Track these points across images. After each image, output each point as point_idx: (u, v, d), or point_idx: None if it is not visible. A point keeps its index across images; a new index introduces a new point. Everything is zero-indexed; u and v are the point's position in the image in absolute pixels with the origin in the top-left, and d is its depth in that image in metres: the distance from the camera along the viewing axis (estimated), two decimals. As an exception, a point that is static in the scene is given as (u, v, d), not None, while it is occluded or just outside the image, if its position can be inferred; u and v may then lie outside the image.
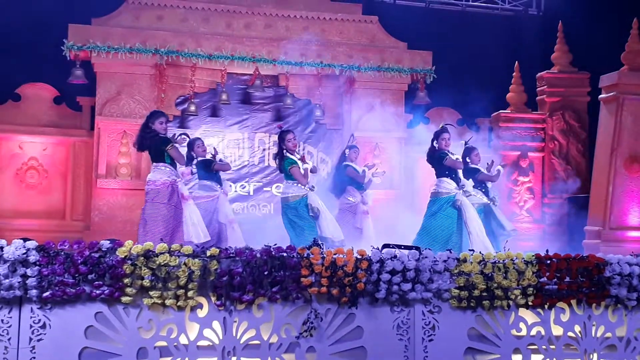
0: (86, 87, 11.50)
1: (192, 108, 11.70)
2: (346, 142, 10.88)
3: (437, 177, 9.03)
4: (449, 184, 8.91)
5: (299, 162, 8.83)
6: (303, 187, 8.76)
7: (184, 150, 9.00)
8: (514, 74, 13.67)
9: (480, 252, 6.80)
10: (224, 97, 11.77)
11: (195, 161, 9.27)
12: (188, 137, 9.39)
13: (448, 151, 9.00)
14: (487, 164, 9.88)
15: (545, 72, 13.65)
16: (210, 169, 9.24)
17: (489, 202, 9.54)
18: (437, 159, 9.00)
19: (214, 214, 9.07)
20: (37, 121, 11.59)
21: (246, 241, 8.41)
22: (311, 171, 8.97)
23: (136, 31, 11.41)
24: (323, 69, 12.04)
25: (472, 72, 13.03)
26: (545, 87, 13.60)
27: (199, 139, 9.58)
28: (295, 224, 8.69)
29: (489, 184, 9.80)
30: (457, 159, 9.00)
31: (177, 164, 8.46)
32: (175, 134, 8.71)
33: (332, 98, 12.49)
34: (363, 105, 12.18)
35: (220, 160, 9.48)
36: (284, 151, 8.88)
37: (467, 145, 9.73)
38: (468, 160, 9.56)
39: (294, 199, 8.74)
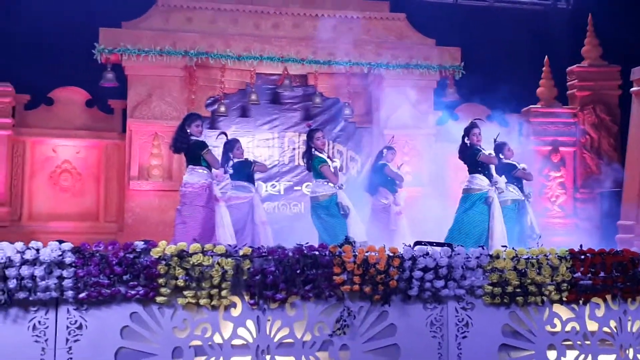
0: (117, 90, 11.57)
1: (222, 109, 11.74)
2: (376, 141, 10.85)
3: (470, 174, 8.94)
4: (481, 181, 8.83)
5: (329, 161, 8.83)
6: (333, 185, 8.75)
7: (218, 150, 9.01)
8: (544, 68, 13.55)
9: (513, 248, 6.74)
10: (253, 97, 11.80)
11: (231, 162, 9.26)
12: (226, 136, 9.42)
13: (480, 147, 8.93)
14: (494, 140, 9.71)
15: (575, 66, 13.52)
16: (248, 170, 9.22)
17: (523, 198, 9.44)
18: (470, 155, 8.92)
19: (249, 215, 9.07)
20: (69, 124, 11.68)
21: (276, 241, 8.42)
22: (340, 170, 8.97)
23: (166, 33, 11.47)
24: (351, 67, 12.02)
25: (502, 67, 12.93)
26: (576, 81, 13.47)
27: (237, 140, 9.53)
28: (327, 222, 8.69)
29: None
30: (490, 154, 8.92)
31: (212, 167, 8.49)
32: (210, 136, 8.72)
33: (361, 96, 12.48)
34: (392, 102, 12.14)
35: (255, 161, 9.48)
36: (312, 150, 8.88)
37: (498, 142, 9.64)
38: (501, 156, 9.46)
39: (323, 197, 8.74)
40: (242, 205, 9.04)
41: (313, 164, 8.83)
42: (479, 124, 9.12)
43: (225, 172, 9.19)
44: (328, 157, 8.96)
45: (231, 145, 9.33)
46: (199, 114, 9.03)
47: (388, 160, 10.25)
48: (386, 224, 9.96)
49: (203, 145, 8.40)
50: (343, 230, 8.43)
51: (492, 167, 8.99)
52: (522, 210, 9.37)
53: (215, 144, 11.14)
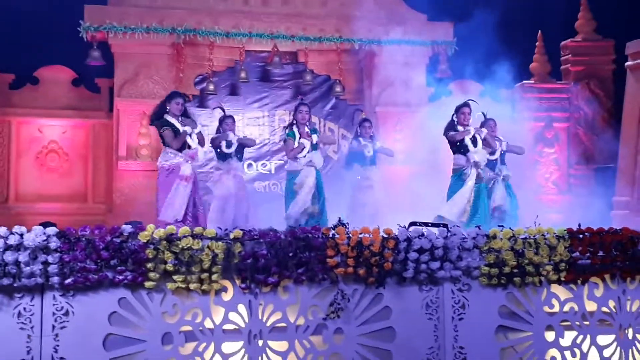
0: (104, 68, 11.39)
1: (211, 87, 11.57)
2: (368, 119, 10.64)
3: (453, 154, 8.89)
4: (460, 160, 8.82)
5: (296, 136, 8.71)
6: (305, 162, 8.67)
7: (205, 130, 8.88)
8: (537, 43, 13.42)
9: (510, 228, 6.63)
10: (242, 75, 11.62)
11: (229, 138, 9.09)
12: (223, 110, 9.30)
13: (458, 125, 8.80)
14: (483, 114, 9.56)
15: (569, 40, 13.40)
16: (239, 149, 9.11)
17: (496, 176, 9.30)
18: (446, 135, 8.88)
19: (237, 192, 8.94)
20: (55, 104, 11.51)
21: (266, 221, 8.31)
22: (324, 142, 8.86)
23: (152, 11, 11.25)
24: (342, 44, 11.85)
25: (494, 42, 12.71)
26: (570, 56, 13.35)
27: (230, 116, 9.39)
28: (287, 197, 8.73)
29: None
30: (467, 130, 8.79)
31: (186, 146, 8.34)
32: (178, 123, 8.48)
33: (352, 73, 12.32)
34: (384, 79, 11.98)
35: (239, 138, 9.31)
36: (294, 123, 8.83)
37: (486, 118, 9.47)
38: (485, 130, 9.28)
39: (289, 173, 8.82)
40: (227, 184, 8.91)
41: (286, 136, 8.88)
42: (472, 104, 8.96)
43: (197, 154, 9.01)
44: (307, 133, 8.78)
45: (220, 121, 9.22)
46: (181, 92, 8.88)
47: (364, 135, 10.01)
48: (365, 200, 9.80)
49: (163, 122, 8.27)
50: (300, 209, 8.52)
51: (471, 145, 8.83)
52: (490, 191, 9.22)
53: (205, 122, 11.02)
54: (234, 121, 9.33)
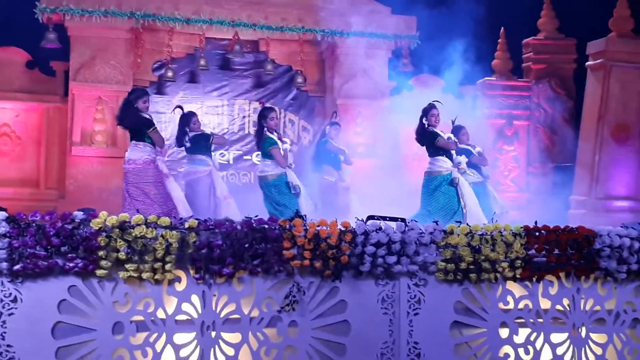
0: (60, 51, 11.22)
1: (170, 74, 11.46)
2: (329, 111, 10.71)
3: (431, 157, 8.89)
4: (444, 162, 8.81)
5: (279, 143, 8.67)
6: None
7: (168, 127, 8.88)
8: (500, 40, 13.52)
9: (467, 224, 6.68)
10: (202, 62, 11.53)
11: (188, 137, 9.15)
12: (182, 109, 9.27)
13: (437, 131, 8.84)
14: (452, 121, 9.67)
15: (531, 38, 13.52)
16: (205, 143, 9.15)
17: (483, 179, 9.46)
18: (428, 139, 8.87)
19: (211, 189, 8.96)
20: (8, 86, 11.29)
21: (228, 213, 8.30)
22: (290, 151, 8.87)
23: (111, -7, 11.12)
24: (305, 35, 11.81)
25: (457, 38, 12.81)
26: (532, 53, 13.47)
27: (194, 114, 9.43)
28: (278, 200, 8.58)
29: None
30: (449, 138, 8.86)
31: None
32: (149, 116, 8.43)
33: (314, 64, 12.29)
34: (345, 71, 11.97)
35: (213, 133, 9.39)
36: (265, 129, 8.71)
37: (455, 125, 9.56)
38: (455, 140, 9.39)
39: (272, 177, 8.66)
40: (203, 179, 8.94)
41: (263, 145, 8.73)
42: (438, 106, 9.00)
43: (183, 145, 9.12)
44: (279, 137, 8.80)
45: (187, 119, 9.24)
46: (144, 88, 8.84)
47: (331, 137, 10.14)
48: (335, 201, 9.87)
49: (150, 123, 8.25)
50: (295, 208, 8.30)
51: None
52: (482, 192, 9.35)
53: (162, 109, 10.94)
54: (198, 118, 9.35)
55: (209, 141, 9.16)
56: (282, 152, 8.64)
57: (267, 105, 9.21)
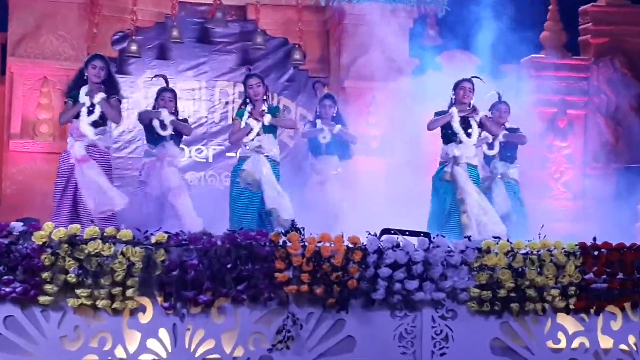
0: (-6, 18, 11.28)
1: (133, 48, 11.48)
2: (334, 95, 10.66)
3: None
4: (443, 152, 8.79)
5: (247, 115, 8.61)
6: (249, 147, 8.56)
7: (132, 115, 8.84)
8: (550, 7, 13.52)
9: (508, 240, 6.70)
10: (174, 33, 11.55)
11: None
12: (167, 82, 9.22)
13: (458, 105, 8.80)
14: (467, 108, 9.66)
15: (590, 5, 13.53)
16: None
17: (491, 174, 9.43)
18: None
19: (174, 187, 8.87)
20: None
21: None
22: (281, 125, 8.79)
23: (59, -54, 11.18)
24: (304, -1, 11.86)
25: (497, 5, 12.85)
26: (590, 24, 13.48)
27: (171, 90, 9.23)
28: (230, 197, 8.57)
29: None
30: (450, 112, 8.76)
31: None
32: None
33: (316, 37, 12.34)
34: (355, 46, 12.00)
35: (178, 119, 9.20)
36: (247, 101, 8.72)
37: (500, 100, 9.55)
38: (489, 114, 9.33)
39: (236, 160, 8.78)
40: (151, 172, 8.84)
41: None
42: (476, 82, 8.96)
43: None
44: (274, 107, 8.78)
45: (157, 94, 9.13)
46: (99, 54, 8.76)
47: (324, 117, 10.01)
48: (314, 200, 9.80)
49: (69, 94, 8.20)
50: (244, 205, 8.36)
51: (462, 132, 8.83)
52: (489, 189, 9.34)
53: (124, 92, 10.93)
54: (174, 96, 9.20)
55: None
56: (242, 124, 8.51)
57: (252, 72, 9.08)
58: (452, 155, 8.63)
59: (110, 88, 8.26)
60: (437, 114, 8.81)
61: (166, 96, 9.07)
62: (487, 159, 9.50)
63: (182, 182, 9.11)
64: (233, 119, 8.86)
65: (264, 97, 8.74)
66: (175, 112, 9.06)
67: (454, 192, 8.60)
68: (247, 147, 8.56)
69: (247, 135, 8.56)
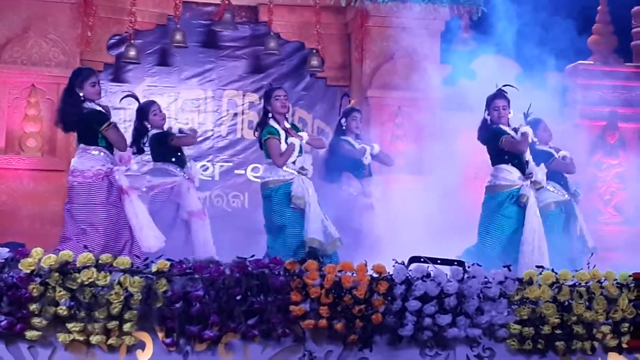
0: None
1: (132, 53, 11.54)
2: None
3: (493, 165, 8.85)
4: (509, 173, 8.76)
5: (282, 133, 8.66)
6: (292, 169, 8.61)
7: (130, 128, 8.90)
8: (599, 8, 13.52)
9: (553, 271, 6.68)
10: (178, 37, 11.61)
11: (149, 136, 9.14)
12: (137, 99, 9.29)
13: (503, 126, 8.82)
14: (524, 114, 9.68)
15: (644, 5, 13.55)
16: (167, 145, 9.10)
17: (568, 197, 9.43)
18: (489, 139, 8.84)
19: (178, 208, 8.95)
20: None
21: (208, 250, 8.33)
22: (307, 152, 8.82)
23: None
24: (322, -2, 11.91)
25: (539, 5, 12.88)
26: (645, 27, 13.50)
27: (153, 103, 9.41)
28: (271, 221, 8.57)
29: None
30: (522, 135, 8.80)
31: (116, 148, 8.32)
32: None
33: (336, 41, 12.38)
34: (380, 51, 12.03)
35: (180, 130, 9.30)
36: (269, 115, 8.72)
37: (530, 118, 9.57)
38: (534, 139, 9.38)
39: (274, 184, 8.64)
40: (165, 195, 8.92)
41: (261, 136, 8.72)
42: (508, 91, 8.98)
43: (137, 152, 9.04)
44: (292, 125, 8.81)
45: (144, 111, 9.21)
46: (92, 68, 8.81)
47: (352, 130, 10.08)
48: (350, 222, 9.85)
49: (102, 117, 8.20)
50: (294, 234, 8.37)
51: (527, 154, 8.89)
52: (569, 217, 9.35)
53: (118, 104, 10.99)
54: (159, 108, 9.34)
55: (168, 141, 9.16)
56: (283, 145, 8.61)
57: (272, 85, 9.13)
58: (534, 179, 8.67)
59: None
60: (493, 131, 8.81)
61: (157, 109, 9.23)
62: (566, 183, 9.57)
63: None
64: (269, 138, 8.63)
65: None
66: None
67: (523, 219, 8.65)
68: (287, 169, 8.59)
69: (291, 155, 8.61)
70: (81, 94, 8.19)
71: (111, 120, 8.22)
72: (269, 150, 8.61)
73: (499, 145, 8.77)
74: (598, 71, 13.20)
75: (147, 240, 8.10)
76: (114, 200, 8.14)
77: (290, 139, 8.63)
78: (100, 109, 8.27)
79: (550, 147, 9.65)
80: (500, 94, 8.94)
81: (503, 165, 8.79)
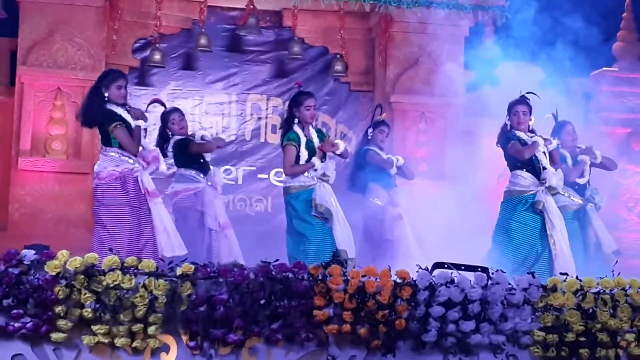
0: (5, 23, 11.40)
1: (157, 57, 11.57)
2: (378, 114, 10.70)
3: (511, 171, 8.85)
4: (524, 179, 8.74)
5: (303, 140, 8.59)
6: (313, 176, 8.57)
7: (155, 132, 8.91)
8: (624, 14, 13.47)
9: (577, 278, 6.66)
10: (202, 41, 11.65)
11: (171, 142, 9.17)
12: (163, 105, 9.33)
13: (518, 132, 8.78)
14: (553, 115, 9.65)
15: (670, 10, 13.50)
16: (188, 152, 9.11)
17: (583, 202, 9.39)
18: (505, 144, 8.82)
19: (200, 216, 8.96)
20: None
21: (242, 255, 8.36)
22: (342, 156, 8.80)
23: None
24: (346, 3, 11.87)
25: (563, 11, 12.84)
26: (671, 32, 13.45)
27: (176, 110, 9.42)
28: (292, 228, 8.54)
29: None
30: (534, 141, 8.75)
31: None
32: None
33: (360, 46, 12.40)
34: (404, 57, 12.06)
35: (202, 137, 9.32)
36: (295, 121, 8.66)
37: (557, 121, 9.55)
38: (557, 142, 9.34)
39: (295, 189, 8.62)
40: (187, 202, 8.93)
41: (282, 141, 8.70)
42: (531, 99, 8.95)
43: (165, 155, 9.04)
44: (318, 130, 8.78)
45: (165, 119, 9.25)
46: (121, 71, 8.81)
47: (377, 143, 10.10)
48: (380, 233, 9.86)
49: (111, 118, 8.18)
50: (320, 242, 8.36)
51: (545, 160, 8.84)
52: (584, 224, 9.31)
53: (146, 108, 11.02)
54: (182, 115, 9.34)
55: (189, 148, 9.16)
56: (303, 152, 8.50)
57: (304, 88, 9.08)
58: (549, 183, 8.64)
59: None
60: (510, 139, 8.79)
61: (177, 118, 9.22)
62: (580, 188, 9.48)
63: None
64: (288, 144, 8.58)
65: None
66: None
67: (543, 226, 8.62)
68: (308, 175, 8.56)
69: (309, 169, 8.56)
70: (106, 94, 8.20)
71: (118, 120, 8.17)
72: (284, 156, 8.61)
73: (508, 152, 8.79)
74: (623, 78, 13.16)
75: (169, 246, 8.10)
76: (132, 201, 8.11)
77: (314, 159, 8.53)
78: (118, 110, 8.22)
79: (577, 147, 9.63)
80: (522, 99, 8.92)
81: (518, 171, 8.80)
